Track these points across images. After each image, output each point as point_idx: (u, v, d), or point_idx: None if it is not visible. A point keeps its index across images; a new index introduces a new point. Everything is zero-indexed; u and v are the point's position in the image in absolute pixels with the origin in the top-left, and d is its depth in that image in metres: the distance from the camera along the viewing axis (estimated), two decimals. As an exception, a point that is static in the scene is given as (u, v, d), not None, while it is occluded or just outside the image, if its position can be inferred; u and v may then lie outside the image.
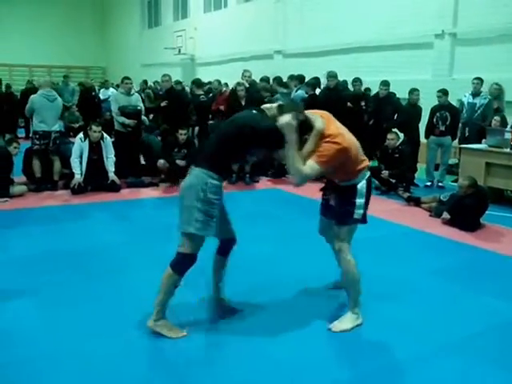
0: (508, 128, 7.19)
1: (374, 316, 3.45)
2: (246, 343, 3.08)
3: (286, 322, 3.36)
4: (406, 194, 7.07)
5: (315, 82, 9.00)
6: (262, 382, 2.70)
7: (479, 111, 8.21)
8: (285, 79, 9.99)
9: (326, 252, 3.68)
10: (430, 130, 8.30)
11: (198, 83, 9.45)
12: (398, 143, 7.65)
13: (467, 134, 8.36)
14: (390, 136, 7.56)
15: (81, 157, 7.08)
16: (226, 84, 9.44)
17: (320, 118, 3.11)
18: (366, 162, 3.25)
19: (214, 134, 3.25)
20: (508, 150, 6.75)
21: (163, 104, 8.04)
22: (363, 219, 3.28)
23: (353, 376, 2.78)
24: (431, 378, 2.77)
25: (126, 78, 8.15)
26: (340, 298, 3.67)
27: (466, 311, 3.62)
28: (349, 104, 8.61)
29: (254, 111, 3.14)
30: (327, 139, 3.02)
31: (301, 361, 2.89)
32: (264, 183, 8.26)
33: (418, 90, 8.52)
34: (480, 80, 8.25)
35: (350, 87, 9.75)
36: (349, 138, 3.13)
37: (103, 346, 3.00)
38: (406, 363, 2.92)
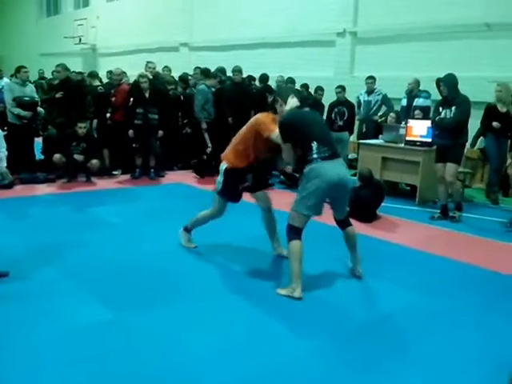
0: (402, 124, 7.58)
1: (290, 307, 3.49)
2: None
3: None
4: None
5: (220, 75, 8.94)
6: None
7: (374, 108, 8.67)
8: (190, 72, 9.88)
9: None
10: (328, 126, 8.56)
11: (93, 74, 9.20)
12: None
13: (364, 130, 8.77)
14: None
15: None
16: (125, 73, 9.12)
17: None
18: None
19: (321, 127, 3.95)
20: (402, 145, 7.12)
21: (58, 95, 7.60)
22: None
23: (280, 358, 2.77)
24: (334, 364, 2.82)
25: (22, 66, 7.68)
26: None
27: (365, 298, 3.79)
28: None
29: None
30: None
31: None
32: (169, 178, 8.10)
33: (322, 89, 8.80)
34: (373, 79, 8.79)
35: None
36: None
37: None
38: (315, 354, 2.96)
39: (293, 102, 3.93)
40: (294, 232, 3.75)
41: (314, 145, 3.70)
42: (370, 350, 3.02)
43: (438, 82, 5.99)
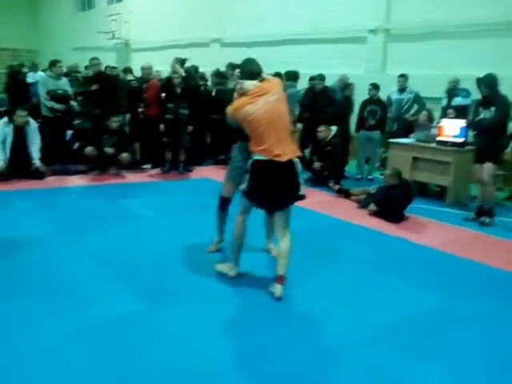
0: (434, 123, 7.46)
1: (294, 305, 3.52)
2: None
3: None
4: (337, 186, 7.20)
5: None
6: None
7: (406, 106, 8.57)
8: (222, 68, 9.90)
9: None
10: (360, 124, 8.52)
11: (126, 69, 9.38)
12: (330, 136, 7.76)
13: (395, 129, 8.66)
14: (319, 128, 7.68)
15: (4, 143, 6.74)
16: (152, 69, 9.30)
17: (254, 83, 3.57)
18: (263, 151, 3.47)
19: None
20: (434, 145, 7.01)
21: (93, 87, 7.74)
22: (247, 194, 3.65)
23: (283, 366, 2.78)
24: (351, 368, 2.81)
25: (57, 60, 7.87)
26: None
27: (388, 300, 3.72)
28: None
29: None
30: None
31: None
32: (197, 173, 8.17)
33: (352, 84, 8.73)
34: (405, 76, 8.67)
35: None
36: (252, 111, 3.43)
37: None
38: (327, 354, 2.95)
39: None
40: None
41: None
42: (388, 351, 2.99)
43: (478, 81, 5.86)
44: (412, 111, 8.66)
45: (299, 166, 3.54)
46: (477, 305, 3.71)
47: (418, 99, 8.63)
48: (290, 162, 3.46)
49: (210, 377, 2.65)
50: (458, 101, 7.88)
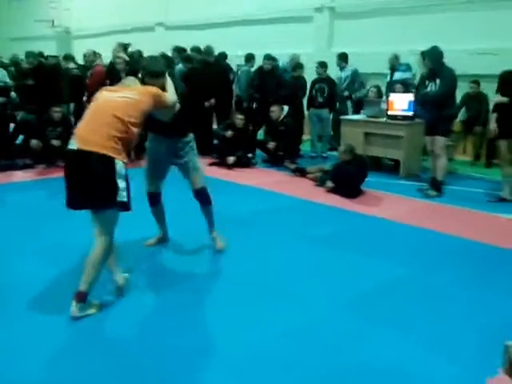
0: (383, 99, 7.54)
1: (264, 285, 3.47)
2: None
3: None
4: (293, 165, 7.19)
5: (190, 55, 8.89)
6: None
7: (345, 84, 8.65)
8: (168, 52, 9.67)
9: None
10: (310, 103, 8.54)
11: (67, 57, 9.02)
12: (282, 116, 7.73)
13: (338, 107, 8.71)
14: (272, 108, 7.67)
15: None
16: (99, 54, 8.99)
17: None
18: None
19: None
20: (384, 119, 7.09)
21: (29, 82, 7.41)
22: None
23: (254, 343, 2.72)
24: (327, 341, 2.80)
25: None
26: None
27: (353, 273, 3.73)
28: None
29: None
30: None
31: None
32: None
33: (301, 67, 8.70)
34: (340, 55, 8.73)
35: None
36: (97, 97, 3.15)
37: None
38: (298, 330, 2.92)
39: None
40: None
41: None
42: (355, 323, 3.00)
43: (422, 54, 5.93)
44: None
45: (118, 167, 2.91)
46: (439, 274, 3.77)
47: (355, 75, 8.73)
48: (91, 155, 2.87)
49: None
50: (398, 75, 8.00)
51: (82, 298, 2.96)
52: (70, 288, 3.08)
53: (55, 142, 6.96)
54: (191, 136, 3.92)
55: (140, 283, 3.50)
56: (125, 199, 2.97)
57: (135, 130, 3.03)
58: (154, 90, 3.21)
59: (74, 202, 3.02)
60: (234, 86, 9.20)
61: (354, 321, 3.03)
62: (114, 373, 2.51)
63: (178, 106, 3.45)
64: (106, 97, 3.10)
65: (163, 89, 3.36)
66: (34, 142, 6.95)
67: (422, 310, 3.19)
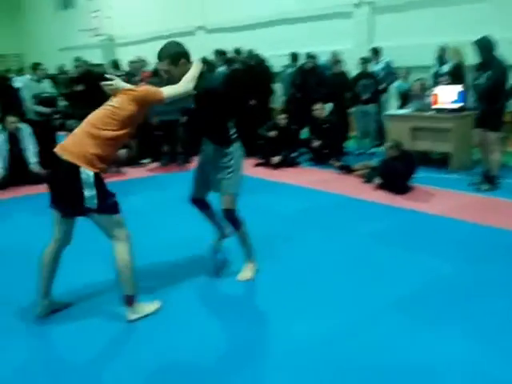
0: (428, 92, 7.40)
1: (316, 282, 3.49)
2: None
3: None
4: (338, 163, 7.16)
5: (231, 57, 9.04)
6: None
7: (379, 77, 8.59)
8: (210, 56, 9.82)
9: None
10: (354, 99, 8.47)
11: (114, 64, 9.29)
12: (325, 114, 7.72)
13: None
14: (314, 107, 7.65)
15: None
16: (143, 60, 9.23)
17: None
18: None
19: None
20: (431, 113, 6.96)
21: (79, 88, 7.67)
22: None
23: (302, 342, 2.76)
24: (378, 339, 2.79)
25: (38, 63, 7.81)
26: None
27: (403, 271, 3.69)
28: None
29: None
30: None
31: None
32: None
33: (340, 61, 8.66)
34: (373, 50, 8.89)
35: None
36: None
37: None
38: (350, 327, 2.93)
39: (199, 65, 3.26)
40: (239, 215, 3.56)
41: (231, 123, 3.51)
42: (409, 322, 2.98)
43: (475, 44, 5.76)
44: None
45: (88, 178, 2.87)
46: (495, 270, 3.68)
47: (387, 68, 8.68)
48: (63, 163, 2.87)
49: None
50: (447, 67, 7.82)
51: (130, 301, 3.06)
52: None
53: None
54: (235, 149, 3.49)
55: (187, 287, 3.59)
56: (94, 206, 2.92)
57: (114, 138, 2.96)
58: (137, 92, 3.05)
59: (58, 207, 3.08)
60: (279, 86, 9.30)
61: (404, 320, 3.00)
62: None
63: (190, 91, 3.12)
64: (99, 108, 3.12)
65: (171, 74, 3.25)
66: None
67: (474, 309, 3.12)
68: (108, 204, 2.98)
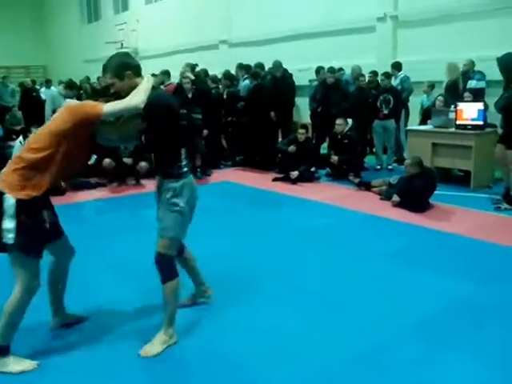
0: (451, 108, 7.32)
1: (333, 303, 3.46)
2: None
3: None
4: (357, 179, 7.11)
5: (257, 71, 9.08)
6: None
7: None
8: (232, 70, 9.92)
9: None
10: (375, 114, 8.42)
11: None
12: (346, 129, 7.69)
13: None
14: (338, 122, 7.63)
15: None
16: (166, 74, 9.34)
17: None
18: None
19: None
20: (453, 129, 6.88)
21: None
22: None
23: (320, 366, 2.73)
24: (398, 363, 2.75)
25: (73, 83, 8.05)
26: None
27: (422, 292, 3.64)
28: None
29: None
30: None
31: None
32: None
33: (364, 76, 8.65)
34: (392, 65, 8.94)
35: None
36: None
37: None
38: (371, 350, 2.89)
39: (151, 79, 2.88)
40: (174, 264, 2.94)
41: (183, 151, 2.87)
42: (427, 347, 2.92)
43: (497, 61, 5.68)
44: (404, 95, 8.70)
45: (9, 207, 2.56)
46: (512, 291, 3.61)
47: (404, 83, 8.72)
48: None
49: None
50: (472, 84, 7.75)
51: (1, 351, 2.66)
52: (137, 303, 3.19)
53: (127, 161, 7.27)
54: (183, 185, 2.85)
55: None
56: (10, 241, 2.54)
57: (37, 161, 2.63)
58: (74, 104, 2.90)
59: None
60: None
61: (425, 344, 2.95)
62: None
63: (137, 105, 2.72)
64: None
65: (116, 88, 2.94)
66: (106, 161, 7.30)
67: (496, 331, 3.06)
68: (25, 242, 2.57)
